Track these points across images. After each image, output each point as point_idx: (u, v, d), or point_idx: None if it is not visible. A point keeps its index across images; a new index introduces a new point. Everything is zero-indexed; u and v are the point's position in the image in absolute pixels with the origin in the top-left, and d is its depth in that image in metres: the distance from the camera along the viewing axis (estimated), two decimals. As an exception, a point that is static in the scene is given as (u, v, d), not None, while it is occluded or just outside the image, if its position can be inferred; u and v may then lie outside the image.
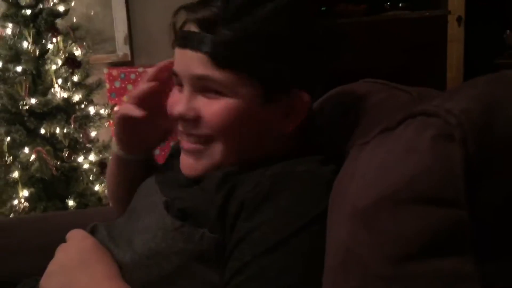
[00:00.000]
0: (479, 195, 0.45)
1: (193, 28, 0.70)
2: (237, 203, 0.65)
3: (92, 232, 0.80)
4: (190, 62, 0.69)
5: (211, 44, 0.67)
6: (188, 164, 0.74)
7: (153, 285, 0.69)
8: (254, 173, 0.68)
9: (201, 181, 0.73)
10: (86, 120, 1.99)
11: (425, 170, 0.47)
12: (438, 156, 0.46)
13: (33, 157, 1.86)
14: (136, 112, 0.78)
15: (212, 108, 0.69)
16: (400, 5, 3.75)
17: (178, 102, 0.72)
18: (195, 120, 0.71)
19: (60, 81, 1.94)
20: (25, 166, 1.88)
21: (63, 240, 0.79)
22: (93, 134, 2.04)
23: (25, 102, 1.86)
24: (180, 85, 0.73)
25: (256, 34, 0.67)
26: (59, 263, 0.74)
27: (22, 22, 1.90)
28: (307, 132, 0.76)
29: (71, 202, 1.93)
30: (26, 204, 1.87)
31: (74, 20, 2.12)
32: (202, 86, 0.70)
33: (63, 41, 1.96)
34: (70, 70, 1.95)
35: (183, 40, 0.71)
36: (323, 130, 0.81)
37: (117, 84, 2.34)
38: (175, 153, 0.91)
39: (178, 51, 0.72)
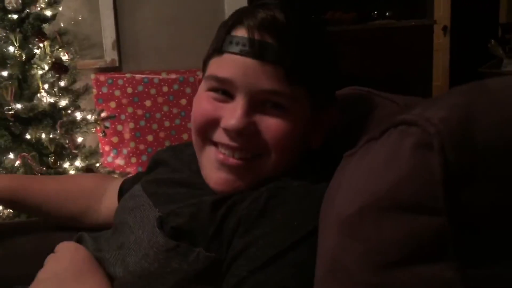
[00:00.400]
0: (460, 202, 0.45)
1: (268, 39, 0.65)
2: (235, 220, 0.65)
3: (78, 242, 0.79)
4: (260, 75, 0.65)
5: (290, 59, 0.65)
6: (227, 181, 0.69)
7: None
8: (254, 190, 0.68)
9: (193, 198, 0.71)
10: (72, 126, 1.97)
11: (405, 179, 0.47)
12: (417, 164, 0.47)
13: (18, 162, 1.84)
14: None
15: (274, 124, 0.67)
16: (387, 14, 3.80)
17: (228, 114, 0.67)
18: (251, 135, 0.67)
19: (46, 86, 1.92)
20: (10, 172, 1.85)
21: (48, 246, 0.78)
22: (79, 139, 2.02)
23: (10, 107, 1.84)
24: (222, 93, 0.69)
25: (320, 51, 0.70)
26: (52, 272, 0.72)
27: (8, 27, 1.88)
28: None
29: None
30: (10, 210, 1.85)
31: (62, 25, 2.10)
32: (264, 100, 0.67)
33: (50, 46, 1.95)
34: (57, 75, 1.94)
35: (257, 50, 0.65)
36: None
37: (105, 90, 2.33)
38: (155, 164, 0.90)
39: (239, 59, 0.66)
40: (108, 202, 0.96)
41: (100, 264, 0.73)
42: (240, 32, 0.67)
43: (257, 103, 0.67)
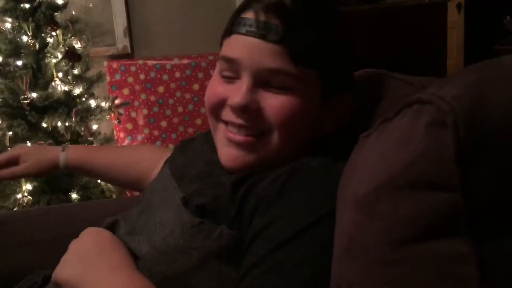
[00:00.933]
0: (472, 178, 0.46)
1: (274, 20, 0.68)
2: (254, 201, 0.67)
3: (113, 227, 0.81)
4: (264, 53, 0.68)
5: (295, 40, 0.67)
6: (236, 157, 0.73)
7: (171, 280, 0.69)
8: (272, 171, 0.69)
9: (214, 180, 0.74)
10: (87, 113, 1.99)
11: (419, 157, 0.48)
12: (431, 142, 0.47)
13: (35, 150, 1.87)
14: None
15: (277, 102, 0.69)
16: (399, -8, 3.73)
17: (234, 92, 0.71)
18: (255, 112, 0.70)
19: (60, 74, 1.95)
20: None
21: (68, 233, 0.80)
22: (94, 127, 2.04)
23: (26, 96, 1.87)
24: (230, 73, 0.72)
25: (329, 38, 0.70)
26: (75, 253, 0.74)
27: (21, 16, 1.90)
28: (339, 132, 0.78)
29: (74, 195, 1.95)
30: (30, 197, 1.89)
31: (73, 13, 2.11)
32: (267, 79, 0.70)
33: (63, 34, 1.96)
34: (70, 64, 1.96)
35: (262, 30, 0.69)
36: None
37: (118, 77, 2.35)
38: (184, 146, 0.92)
39: (245, 39, 0.70)
40: (157, 172, 1.01)
41: (128, 246, 0.75)
42: (248, 15, 0.71)
43: (262, 82, 0.70)
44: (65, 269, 0.73)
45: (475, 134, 0.46)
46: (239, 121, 0.71)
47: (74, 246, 0.76)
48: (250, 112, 0.70)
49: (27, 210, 1.75)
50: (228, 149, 0.73)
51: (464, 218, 0.46)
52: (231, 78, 0.72)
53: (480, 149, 0.46)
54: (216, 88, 0.74)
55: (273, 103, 0.69)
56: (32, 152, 1.11)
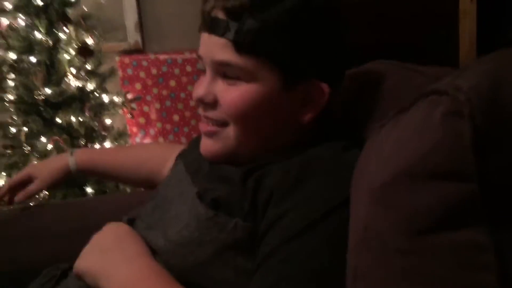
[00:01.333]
0: (489, 167, 0.46)
1: (220, 14, 0.71)
2: (267, 193, 0.67)
3: (131, 224, 0.83)
4: (214, 47, 0.72)
5: (236, 31, 0.69)
6: (206, 146, 0.77)
7: (188, 272, 0.70)
8: (280, 163, 0.70)
9: (224, 174, 0.75)
10: (100, 109, 2.01)
11: (436, 147, 0.48)
12: (448, 132, 0.47)
13: (50, 146, 1.89)
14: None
15: (230, 95, 0.72)
16: (410, -19, 3.69)
17: (199, 85, 0.75)
18: (213, 104, 0.74)
19: (73, 70, 1.96)
20: (43, 155, 1.91)
21: (85, 226, 0.82)
22: (108, 122, 2.06)
23: (40, 92, 1.89)
24: (204, 68, 0.76)
25: (281, 24, 0.69)
26: (95, 244, 0.77)
27: (34, 13, 1.92)
28: (324, 123, 0.77)
29: (89, 189, 1.97)
30: (46, 192, 1.91)
31: (85, 9, 2.12)
32: (223, 72, 0.73)
33: (75, 30, 1.98)
34: (83, 59, 1.97)
35: (209, 25, 0.72)
36: (340, 114, 0.82)
37: (130, 72, 2.36)
38: (198, 142, 0.93)
39: (204, 36, 0.74)
40: (168, 168, 1.03)
41: (145, 239, 0.77)
42: (205, 13, 0.74)
43: (220, 74, 0.73)
44: (85, 260, 0.75)
45: (492, 123, 0.46)
46: (204, 113, 0.75)
47: (95, 238, 0.78)
48: (208, 104, 0.74)
49: (44, 204, 1.77)
50: (202, 139, 0.78)
51: (482, 207, 0.46)
52: (205, 73, 0.76)
53: (497, 138, 0.46)
54: (196, 85, 0.78)
55: (225, 96, 0.72)
56: (41, 166, 1.15)
